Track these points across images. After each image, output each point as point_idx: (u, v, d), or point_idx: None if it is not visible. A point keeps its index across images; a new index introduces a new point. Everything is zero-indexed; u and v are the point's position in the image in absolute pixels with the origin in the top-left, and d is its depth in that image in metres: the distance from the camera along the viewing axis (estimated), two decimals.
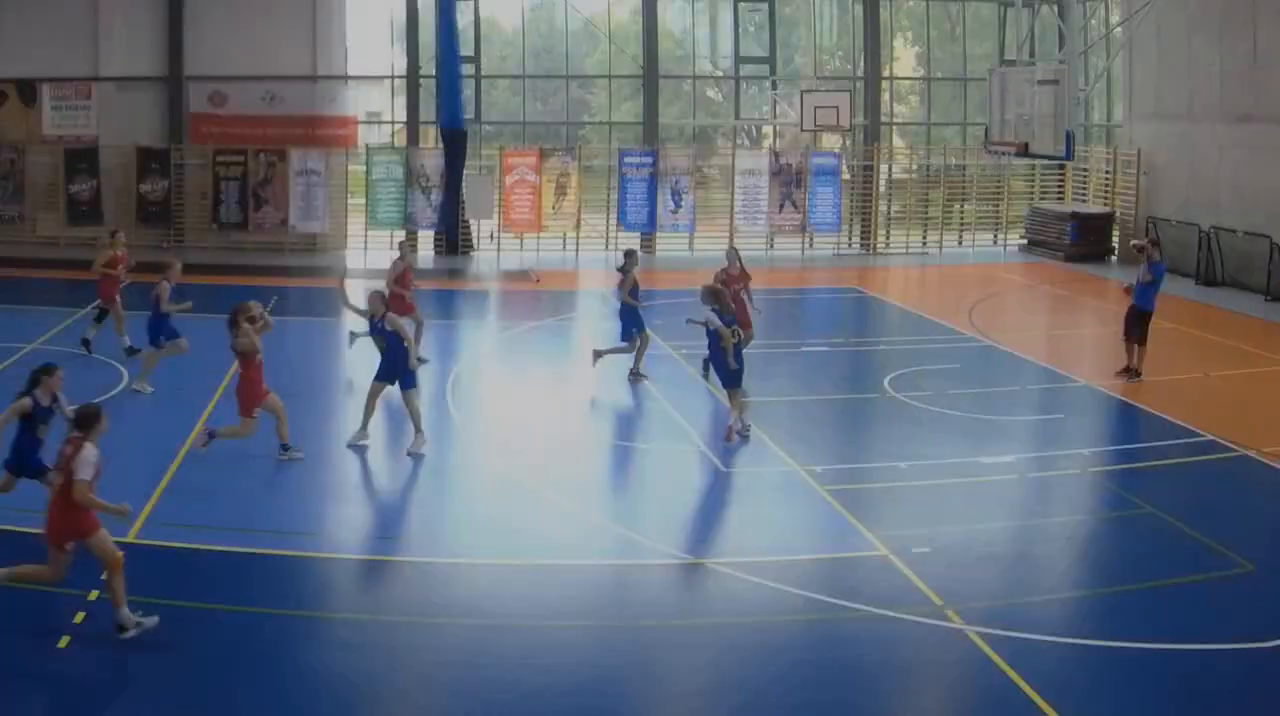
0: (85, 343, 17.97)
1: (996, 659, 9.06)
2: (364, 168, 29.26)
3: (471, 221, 29.56)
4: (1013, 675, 8.80)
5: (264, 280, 25.26)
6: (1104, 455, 14.32)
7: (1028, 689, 8.59)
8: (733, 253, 17.93)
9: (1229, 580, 10.64)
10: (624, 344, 17.12)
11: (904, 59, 35.70)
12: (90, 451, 9.00)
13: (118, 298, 18.16)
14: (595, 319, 21.91)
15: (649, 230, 30.07)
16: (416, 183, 28.96)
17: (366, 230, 29.33)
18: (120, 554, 9.18)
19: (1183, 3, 27.10)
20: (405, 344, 13.86)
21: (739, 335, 14.67)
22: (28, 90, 28.26)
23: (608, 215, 30.11)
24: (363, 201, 29.43)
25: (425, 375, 17.36)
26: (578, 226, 29.84)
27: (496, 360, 19.62)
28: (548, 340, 20.95)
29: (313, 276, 26.26)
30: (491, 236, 29.81)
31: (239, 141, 28.57)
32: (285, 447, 13.49)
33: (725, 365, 14.25)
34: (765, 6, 31.92)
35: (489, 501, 12.70)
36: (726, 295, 14.95)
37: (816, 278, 27.77)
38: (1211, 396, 17.23)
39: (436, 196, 28.88)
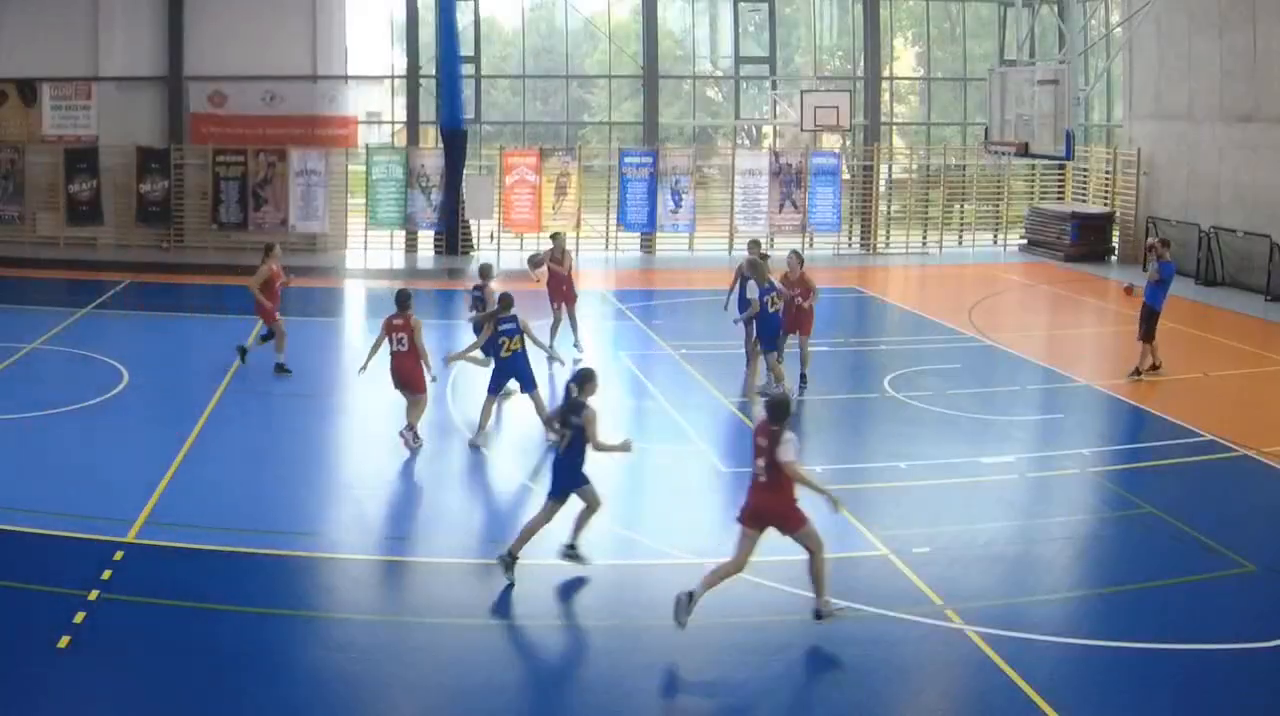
0: (242, 351, 17.55)
1: (996, 659, 9.06)
2: (364, 168, 29.25)
3: (471, 221, 29.56)
4: (1013, 675, 8.80)
5: None
6: (1104, 455, 14.32)
7: (1028, 689, 8.60)
8: (794, 256, 17.45)
9: (1229, 580, 10.64)
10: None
11: (904, 59, 35.71)
12: (790, 437, 9.39)
13: (279, 316, 17.59)
14: (595, 319, 21.90)
15: (649, 230, 30.07)
16: (416, 183, 28.96)
17: (366, 230, 29.33)
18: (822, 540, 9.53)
19: (1183, 3, 27.11)
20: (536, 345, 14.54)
21: (776, 304, 16.03)
22: (28, 90, 28.25)
23: (608, 215, 30.10)
24: (363, 201, 29.42)
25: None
26: (578, 226, 29.81)
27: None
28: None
29: (313, 276, 26.26)
30: (491, 236, 29.80)
31: (239, 141, 28.56)
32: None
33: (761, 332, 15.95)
34: (765, 6, 31.92)
35: (489, 501, 12.71)
36: (764, 267, 16.31)
37: (816, 278, 27.51)
38: (1211, 396, 17.23)
39: (436, 196, 28.88)
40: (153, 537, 10.94)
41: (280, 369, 17.25)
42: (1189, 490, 13.30)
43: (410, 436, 13.91)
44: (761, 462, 9.54)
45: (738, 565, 9.44)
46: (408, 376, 14.01)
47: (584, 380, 10.51)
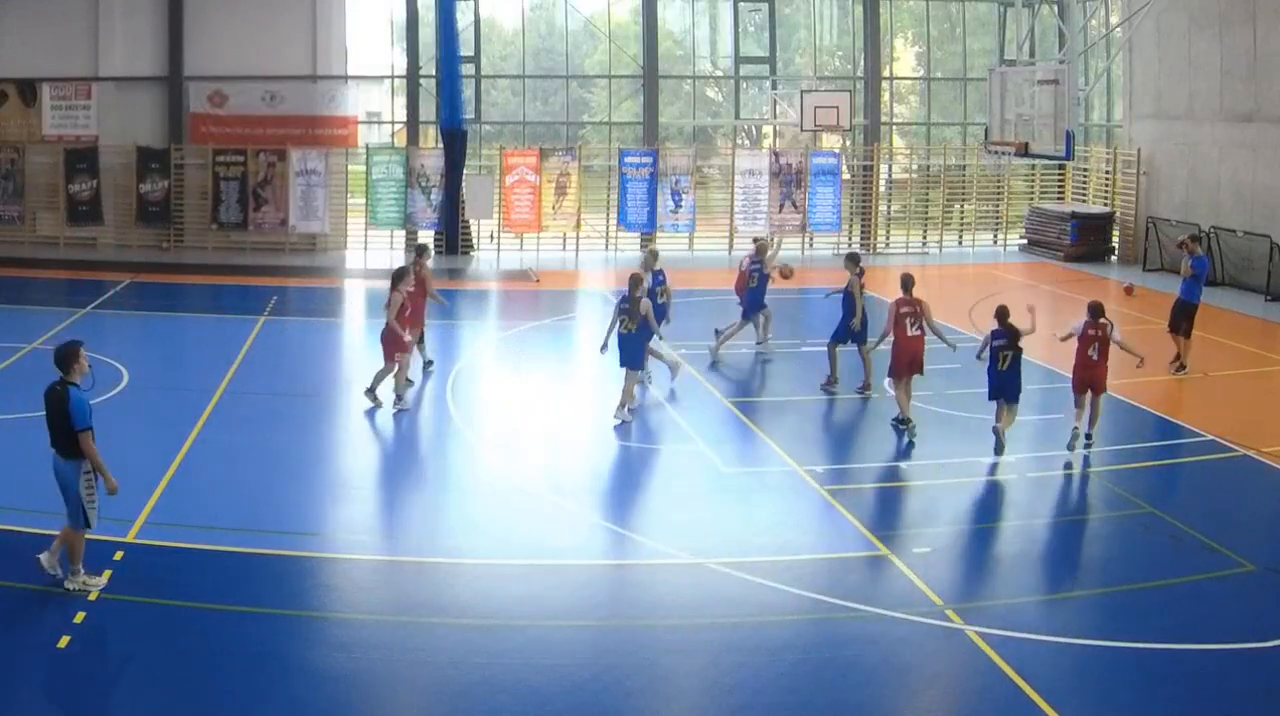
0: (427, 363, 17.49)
1: (996, 659, 9.06)
2: (364, 168, 29.25)
3: (471, 221, 29.57)
4: (1013, 675, 8.80)
5: (264, 280, 25.29)
6: (1104, 455, 14.31)
7: (1028, 689, 8.60)
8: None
9: (1229, 580, 10.65)
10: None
11: (904, 59, 35.71)
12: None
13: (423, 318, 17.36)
14: (596, 319, 21.90)
15: (649, 230, 30.05)
16: (416, 183, 28.96)
17: (366, 230, 29.33)
18: None
19: (1183, 3, 27.10)
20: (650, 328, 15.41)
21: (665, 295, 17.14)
22: (28, 90, 28.26)
23: (608, 215, 30.10)
24: (363, 201, 29.43)
25: (427, 376, 17.40)
26: (578, 226, 29.83)
27: (496, 360, 19.62)
28: (548, 340, 20.94)
29: (313, 276, 26.28)
30: (491, 236, 29.80)
31: (239, 141, 28.56)
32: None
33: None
34: (765, 6, 31.93)
35: (489, 501, 12.70)
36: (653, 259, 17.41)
37: (816, 278, 27.71)
38: (1211, 396, 17.23)
39: (436, 196, 28.88)
40: (153, 537, 10.94)
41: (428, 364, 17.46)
42: (1189, 490, 13.31)
43: (373, 400, 15.34)
44: (1096, 346, 13.77)
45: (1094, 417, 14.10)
46: (382, 342, 15.34)
47: (1005, 314, 13.89)
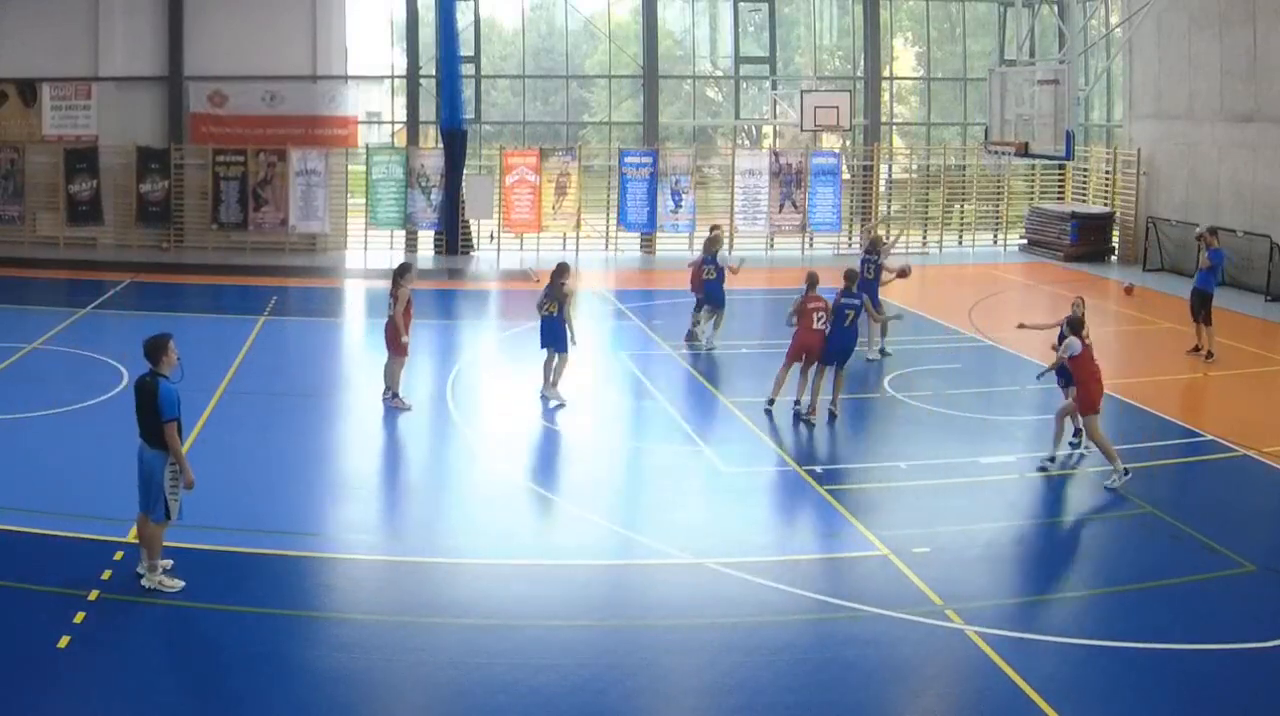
0: (692, 335, 19.54)
1: (996, 659, 9.06)
2: (364, 168, 29.25)
3: (471, 221, 29.57)
4: (1013, 675, 8.80)
5: (264, 280, 25.30)
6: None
7: (1028, 689, 8.60)
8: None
9: (1229, 580, 10.65)
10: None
11: (904, 59, 35.72)
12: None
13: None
14: (595, 319, 21.92)
15: (649, 230, 30.07)
16: (416, 183, 28.97)
17: (366, 230, 29.34)
18: None
19: (1183, 3, 27.12)
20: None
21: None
22: (28, 90, 28.24)
23: (608, 215, 30.10)
24: (363, 201, 29.43)
25: (424, 376, 17.39)
26: (578, 226, 29.83)
27: (496, 360, 19.62)
28: None
29: (313, 276, 26.29)
30: (491, 236, 29.81)
31: (239, 141, 28.55)
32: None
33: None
34: (765, 6, 31.93)
35: (489, 501, 12.70)
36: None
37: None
38: (1211, 396, 17.23)
39: (436, 196, 28.88)
40: None
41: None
42: (1189, 490, 13.30)
43: (390, 397, 15.55)
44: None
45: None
46: (386, 339, 15.70)
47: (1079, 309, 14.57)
